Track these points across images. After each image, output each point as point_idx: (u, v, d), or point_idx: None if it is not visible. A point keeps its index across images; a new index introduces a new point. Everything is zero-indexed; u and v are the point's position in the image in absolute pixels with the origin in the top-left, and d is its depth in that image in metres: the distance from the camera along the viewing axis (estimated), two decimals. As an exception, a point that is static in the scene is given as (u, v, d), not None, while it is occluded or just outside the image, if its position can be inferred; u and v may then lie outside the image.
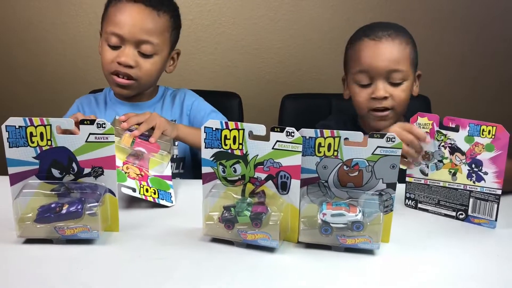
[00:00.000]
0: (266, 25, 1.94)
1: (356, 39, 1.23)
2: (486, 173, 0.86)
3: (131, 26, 1.16)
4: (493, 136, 0.85)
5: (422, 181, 0.94)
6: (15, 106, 1.94)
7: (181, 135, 1.13)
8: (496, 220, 0.87)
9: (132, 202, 0.94)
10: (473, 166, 0.87)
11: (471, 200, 0.89)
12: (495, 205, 0.86)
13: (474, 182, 0.88)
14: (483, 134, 0.86)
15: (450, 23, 1.96)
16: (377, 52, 1.18)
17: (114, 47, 1.18)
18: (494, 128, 0.84)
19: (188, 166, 1.30)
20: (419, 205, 0.95)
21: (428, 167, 0.93)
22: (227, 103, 1.48)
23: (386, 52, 1.18)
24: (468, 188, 0.89)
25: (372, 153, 0.75)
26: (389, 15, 1.89)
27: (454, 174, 0.90)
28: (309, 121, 1.20)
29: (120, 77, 1.20)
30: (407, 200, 0.97)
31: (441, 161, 0.91)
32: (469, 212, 0.90)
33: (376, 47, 1.18)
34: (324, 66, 1.97)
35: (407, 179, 0.96)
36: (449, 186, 0.91)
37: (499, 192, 0.86)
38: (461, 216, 0.91)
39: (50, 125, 0.76)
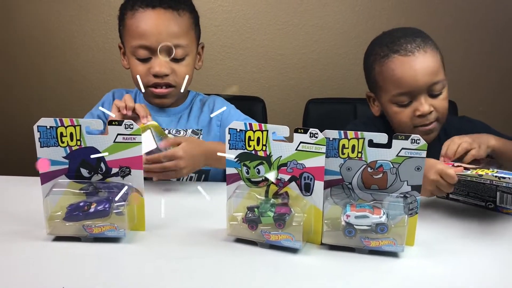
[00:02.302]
0: (291, 31, 1.95)
1: (383, 57, 1.13)
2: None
3: (157, 35, 1.13)
4: None
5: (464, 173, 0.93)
6: (43, 110, 1.99)
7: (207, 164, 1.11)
8: None
9: (158, 202, 0.95)
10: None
11: (498, 193, 0.90)
12: None
13: (499, 179, 0.86)
14: None
15: (474, 25, 1.93)
16: (415, 69, 1.09)
17: (144, 60, 1.16)
18: None
19: (213, 179, 1.24)
20: (450, 195, 0.96)
21: None
22: (251, 107, 1.49)
23: (424, 67, 1.09)
24: (494, 183, 0.88)
25: (397, 155, 0.74)
26: (414, 20, 1.88)
27: (481, 174, 0.89)
28: (333, 126, 1.17)
29: (159, 88, 1.18)
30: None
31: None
32: (497, 203, 0.90)
33: (412, 64, 1.09)
34: (349, 72, 1.97)
35: None
36: (476, 180, 0.91)
37: None
38: (490, 206, 0.91)
39: (80, 125, 0.78)
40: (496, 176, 0.83)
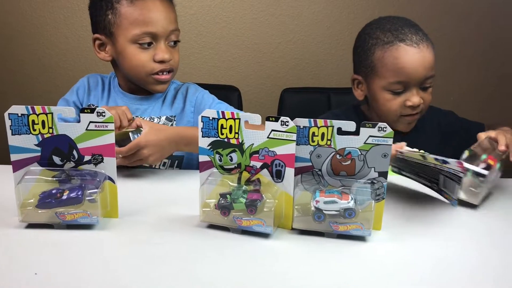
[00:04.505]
0: (267, 20, 1.96)
1: (388, 43, 1.14)
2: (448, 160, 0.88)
3: (162, 21, 1.16)
4: None
5: (401, 156, 0.94)
6: (19, 99, 1.96)
7: (181, 150, 1.13)
8: (457, 200, 0.91)
9: (132, 189, 0.96)
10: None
11: (441, 176, 0.93)
12: (457, 186, 0.90)
13: (441, 163, 0.89)
14: None
15: (450, 18, 1.97)
16: (420, 60, 1.12)
17: (146, 47, 1.17)
18: None
19: (187, 165, 1.26)
20: (403, 172, 1.00)
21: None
22: (227, 96, 1.49)
23: (426, 60, 1.13)
24: (438, 167, 0.91)
25: (364, 142, 0.77)
26: (389, 10, 1.91)
27: (423, 157, 0.92)
28: (308, 115, 1.19)
29: (164, 74, 1.20)
30: (392, 168, 1.00)
31: None
32: (441, 187, 0.94)
33: (417, 55, 1.12)
34: (324, 61, 1.99)
35: None
36: (421, 163, 0.93)
37: (462, 175, 0.88)
38: (434, 188, 0.95)
39: (52, 113, 0.78)
40: (437, 160, 0.86)
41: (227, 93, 1.52)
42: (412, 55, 1.12)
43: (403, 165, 0.98)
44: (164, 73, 1.20)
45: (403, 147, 0.91)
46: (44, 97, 1.98)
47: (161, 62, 1.18)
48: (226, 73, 1.99)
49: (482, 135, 1.02)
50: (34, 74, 1.98)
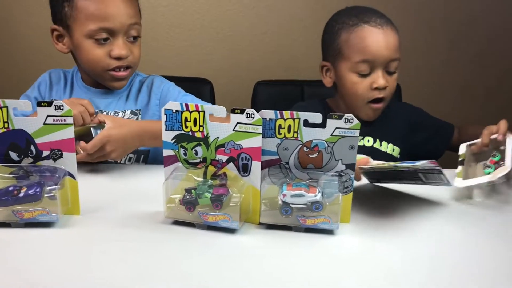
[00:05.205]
0: (241, 12, 1.93)
1: (353, 26, 1.17)
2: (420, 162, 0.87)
3: (120, 16, 1.11)
4: None
5: (371, 170, 0.92)
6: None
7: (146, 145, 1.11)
8: (448, 181, 0.89)
9: (94, 185, 0.93)
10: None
11: (420, 174, 0.91)
12: (441, 175, 0.87)
13: (413, 164, 0.88)
14: None
15: (425, 12, 1.98)
16: (384, 40, 1.14)
17: (102, 43, 1.13)
18: None
19: (153, 160, 1.23)
20: (381, 181, 0.98)
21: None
22: (199, 89, 1.47)
23: (390, 41, 1.15)
24: (412, 169, 0.89)
25: (331, 134, 0.75)
26: (364, 3, 1.90)
27: (395, 166, 0.90)
28: (281, 108, 1.18)
29: (120, 71, 1.16)
30: (370, 180, 0.99)
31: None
32: (424, 181, 0.92)
33: (381, 36, 1.15)
34: (299, 54, 1.97)
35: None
36: (395, 170, 0.90)
37: (438, 167, 0.86)
38: (420, 183, 0.93)
39: (7, 107, 0.74)
40: (409, 164, 0.85)
41: (199, 86, 1.49)
42: (376, 35, 1.15)
43: (378, 176, 0.97)
44: (121, 69, 1.17)
45: (367, 163, 0.89)
46: (15, 93, 1.92)
47: (118, 58, 1.14)
48: (200, 65, 1.96)
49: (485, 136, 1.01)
50: (5, 69, 1.92)
